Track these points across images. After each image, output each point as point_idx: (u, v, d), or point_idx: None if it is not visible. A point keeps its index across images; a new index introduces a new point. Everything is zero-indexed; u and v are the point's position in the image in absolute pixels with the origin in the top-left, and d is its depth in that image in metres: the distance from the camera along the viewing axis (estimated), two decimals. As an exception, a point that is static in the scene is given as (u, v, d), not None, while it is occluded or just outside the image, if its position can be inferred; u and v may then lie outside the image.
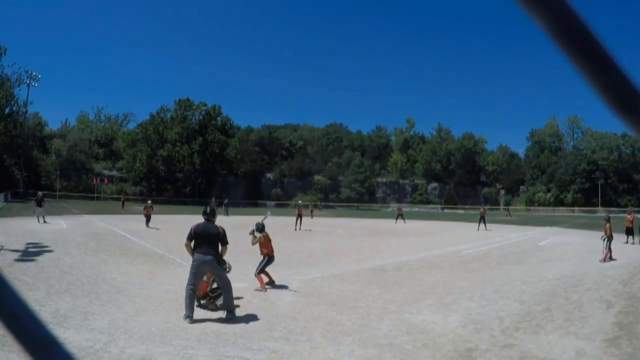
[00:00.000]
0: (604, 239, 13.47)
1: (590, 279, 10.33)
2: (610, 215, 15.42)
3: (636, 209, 66.09)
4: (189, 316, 6.42)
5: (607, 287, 9.41)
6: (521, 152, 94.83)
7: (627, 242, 18.11)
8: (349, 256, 14.32)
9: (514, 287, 9.38)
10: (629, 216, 19.17)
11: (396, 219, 34.22)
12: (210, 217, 6.90)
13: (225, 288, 6.76)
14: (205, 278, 7.21)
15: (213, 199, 36.77)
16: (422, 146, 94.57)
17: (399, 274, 11.10)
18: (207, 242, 6.66)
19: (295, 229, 23.73)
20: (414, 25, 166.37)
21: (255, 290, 8.59)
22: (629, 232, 18.57)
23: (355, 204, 76.47)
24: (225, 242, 6.86)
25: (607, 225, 13.59)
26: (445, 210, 73.21)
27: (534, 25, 0.39)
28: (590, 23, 0.40)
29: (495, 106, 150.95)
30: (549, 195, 77.41)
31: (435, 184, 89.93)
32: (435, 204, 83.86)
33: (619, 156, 76.88)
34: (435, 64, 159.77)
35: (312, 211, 38.27)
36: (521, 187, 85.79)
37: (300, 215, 25.04)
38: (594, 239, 19.35)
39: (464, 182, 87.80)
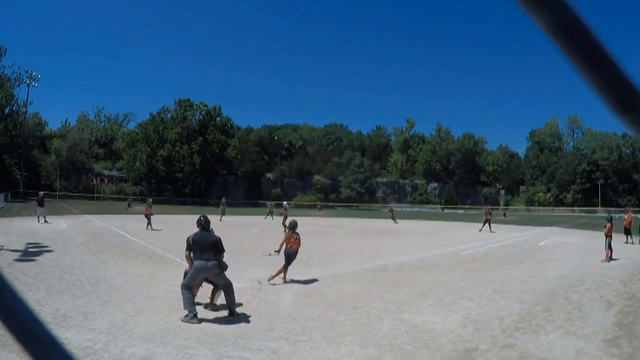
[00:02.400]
0: (605, 239, 13.51)
1: (590, 279, 10.32)
2: (612, 215, 15.44)
3: (636, 209, 66.16)
4: (195, 314, 6.48)
5: (607, 287, 9.40)
6: (521, 152, 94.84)
7: (627, 242, 18.12)
8: (349, 256, 14.31)
9: (514, 287, 9.38)
10: (625, 216, 19.27)
11: (394, 220, 34.35)
12: (205, 226, 7.20)
13: (227, 290, 6.92)
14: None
15: (223, 198, 36.52)
16: (422, 146, 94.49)
17: (399, 274, 11.09)
18: (207, 249, 6.90)
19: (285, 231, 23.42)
20: (414, 25, 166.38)
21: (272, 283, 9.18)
22: (627, 232, 18.64)
23: (355, 204, 76.42)
24: (222, 250, 7.13)
25: (609, 225, 13.61)
26: (445, 210, 73.17)
27: (534, 25, 0.39)
28: (590, 23, 0.40)
29: (495, 106, 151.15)
30: (549, 195, 77.38)
31: (435, 184, 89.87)
32: (435, 204, 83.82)
33: (619, 156, 76.80)
34: (435, 64, 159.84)
35: (271, 212, 35.21)
36: (521, 187, 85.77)
37: (285, 217, 24.43)
38: (594, 239, 19.35)
39: (464, 182, 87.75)
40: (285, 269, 9.55)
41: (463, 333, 6.17)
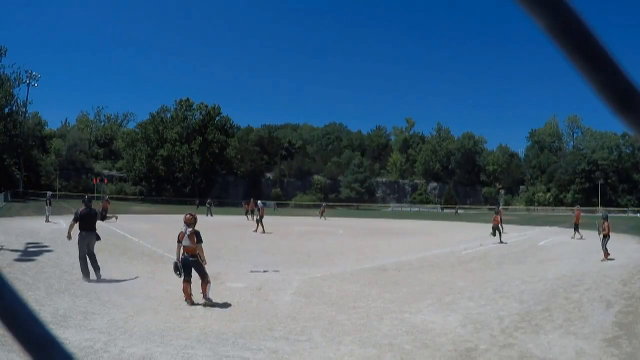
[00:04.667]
0: (602, 239, 13.51)
1: (590, 279, 10.31)
2: (608, 214, 15.54)
3: (636, 209, 66.00)
4: (87, 277, 8.84)
5: (607, 287, 9.39)
6: (521, 152, 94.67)
7: (574, 237, 19.59)
8: (349, 256, 14.31)
9: (514, 287, 9.38)
10: (575, 214, 21.10)
11: (322, 216, 37.01)
12: (89, 204, 9.75)
13: (91, 256, 9.04)
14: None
15: (209, 199, 38.15)
16: (422, 146, 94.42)
17: (399, 274, 11.09)
18: (90, 222, 9.34)
19: (256, 231, 22.68)
20: (414, 25, 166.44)
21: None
22: (576, 227, 20.16)
23: (355, 204, 76.41)
24: (99, 219, 9.81)
25: (606, 224, 13.60)
26: (445, 211, 73.14)
27: (534, 25, 0.39)
28: (589, 23, 0.40)
29: (495, 106, 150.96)
30: (549, 195, 77.33)
31: (435, 184, 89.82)
32: (435, 204, 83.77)
33: (619, 156, 76.74)
34: (435, 64, 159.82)
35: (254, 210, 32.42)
36: (521, 187, 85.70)
37: (261, 217, 23.53)
38: (594, 239, 19.34)
39: (464, 182, 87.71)
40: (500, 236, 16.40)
41: (463, 333, 6.17)
